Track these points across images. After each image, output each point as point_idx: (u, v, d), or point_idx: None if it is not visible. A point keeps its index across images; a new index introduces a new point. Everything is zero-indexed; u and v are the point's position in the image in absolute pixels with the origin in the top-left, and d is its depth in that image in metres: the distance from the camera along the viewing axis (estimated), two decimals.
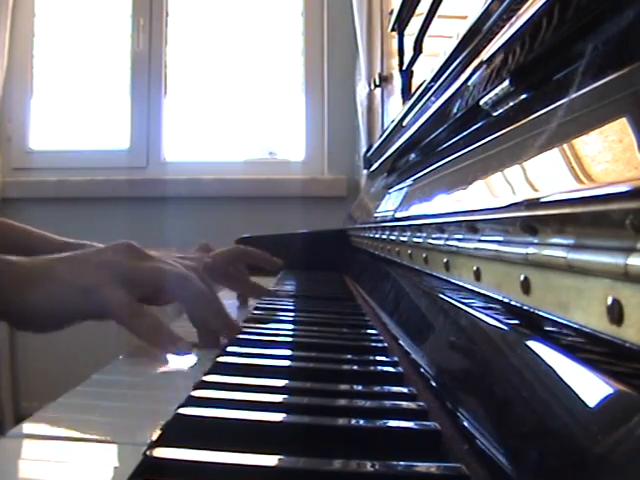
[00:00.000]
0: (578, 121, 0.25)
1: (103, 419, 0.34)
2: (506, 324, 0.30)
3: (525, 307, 0.27)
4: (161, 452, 0.26)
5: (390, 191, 0.80)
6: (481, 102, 0.39)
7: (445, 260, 0.41)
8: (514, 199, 0.29)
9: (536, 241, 0.26)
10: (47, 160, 2.08)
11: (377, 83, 1.60)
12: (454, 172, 0.46)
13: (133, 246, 0.54)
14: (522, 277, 0.27)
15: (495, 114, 0.39)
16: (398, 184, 0.75)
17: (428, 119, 0.59)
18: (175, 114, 2.13)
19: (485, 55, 0.40)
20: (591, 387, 0.21)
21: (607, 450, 0.19)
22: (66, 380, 0.46)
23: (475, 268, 0.34)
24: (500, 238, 0.30)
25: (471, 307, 0.36)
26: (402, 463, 0.26)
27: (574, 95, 0.26)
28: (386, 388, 0.37)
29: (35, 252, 0.58)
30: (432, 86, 0.60)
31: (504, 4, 0.39)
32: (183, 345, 0.48)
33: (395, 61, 1.21)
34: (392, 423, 0.30)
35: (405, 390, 0.36)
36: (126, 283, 0.49)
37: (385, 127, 1.09)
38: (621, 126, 0.21)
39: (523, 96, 0.34)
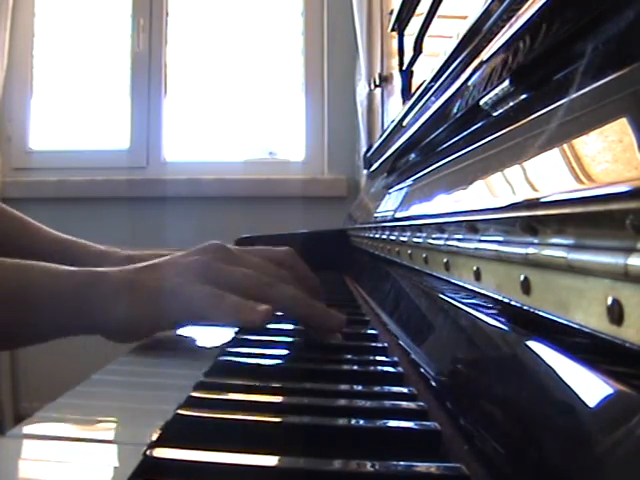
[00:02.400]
0: (578, 121, 0.25)
1: (103, 419, 0.34)
2: (506, 324, 0.30)
3: (525, 307, 0.27)
4: (161, 452, 0.26)
5: (390, 191, 0.80)
6: (481, 102, 0.39)
7: (445, 260, 0.41)
8: (514, 199, 0.29)
9: (536, 241, 0.26)
10: (47, 160, 2.08)
11: (377, 83, 1.60)
12: (454, 172, 0.46)
13: (221, 246, 0.52)
14: (522, 277, 0.27)
15: (495, 114, 0.39)
16: (398, 184, 0.75)
17: (428, 119, 0.59)
18: (175, 114, 2.13)
19: (485, 55, 0.40)
20: (591, 387, 0.21)
21: (607, 450, 0.19)
22: (66, 380, 0.46)
23: (475, 268, 0.34)
24: (500, 238, 0.30)
25: (471, 307, 0.36)
26: (402, 463, 0.26)
27: (574, 95, 0.26)
28: (386, 388, 0.37)
29: (34, 247, 0.58)
30: (432, 86, 0.60)
31: (504, 4, 0.39)
32: (264, 310, 0.46)
33: (395, 61, 1.21)
34: (392, 423, 0.30)
35: (405, 390, 0.36)
36: (211, 282, 0.48)
37: (385, 127, 1.09)
38: (621, 126, 0.21)
39: (523, 96, 0.34)
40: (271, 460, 0.26)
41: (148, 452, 0.26)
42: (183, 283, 0.48)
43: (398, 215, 0.63)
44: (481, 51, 0.42)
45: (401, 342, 0.49)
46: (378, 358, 0.45)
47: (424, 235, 0.47)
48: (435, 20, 0.81)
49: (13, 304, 0.46)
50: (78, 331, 0.48)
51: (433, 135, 0.60)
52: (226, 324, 0.50)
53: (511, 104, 0.36)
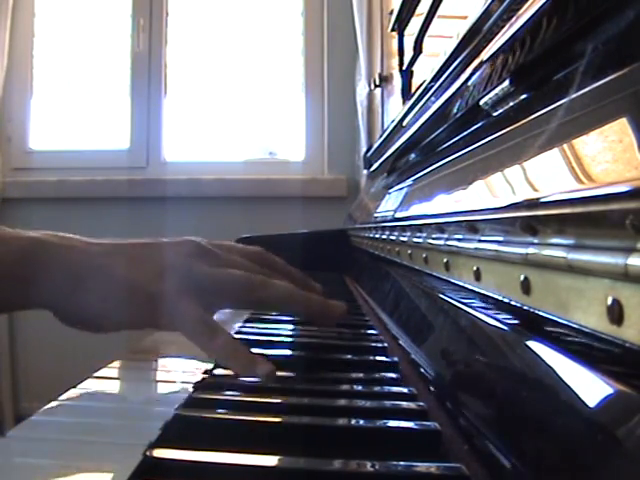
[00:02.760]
0: (578, 121, 0.25)
1: (103, 419, 0.34)
2: (506, 324, 0.30)
3: (525, 307, 0.27)
4: (161, 452, 0.26)
5: (390, 191, 0.80)
6: (481, 102, 0.39)
7: (445, 260, 0.41)
8: (514, 199, 0.29)
9: (536, 241, 0.26)
10: (47, 160, 2.08)
11: (377, 83, 1.60)
12: (454, 172, 0.46)
13: (199, 245, 0.48)
14: (522, 277, 0.27)
15: (495, 114, 0.39)
16: (398, 184, 0.75)
17: (428, 119, 0.59)
18: (175, 114, 2.13)
19: (485, 55, 0.40)
20: (591, 387, 0.21)
21: (607, 450, 0.19)
22: (66, 380, 0.46)
23: (475, 268, 0.34)
24: (500, 238, 0.30)
25: (471, 307, 0.36)
26: (402, 463, 0.26)
27: (574, 95, 0.26)
28: (386, 388, 0.37)
29: None
30: (432, 86, 0.60)
31: (504, 4, 0.39)
32: (264, 367, 0.39)
33: (395, 61, 1.21)
34: (392, 423, 0.30)
35: (405, 390, 0.36)
36: (196, 292, 0.43)
37: (385, 127, 1.09)
38: (621, 126, 0.21)
39: (523, 96, 0.34)
40: (271, 460, 0.26)
41: (148, 452, 0.26)
42: (167, 291, 0.43)
43: (398, 215, 0.63)
44: (481, 51, 0.42)
45: (401, 342, 0.49)
46: (378, 358, 0.45)
47: (424, 235, 0.47)
48: (435, 20, 0.81)
49: None
50: (26, 304, 0.43)
51: (433, 135, 0.60)
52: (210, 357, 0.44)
53: (511, 104, 0.36)
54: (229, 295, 0.46)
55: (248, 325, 0.58)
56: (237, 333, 0.53)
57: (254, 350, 0.46)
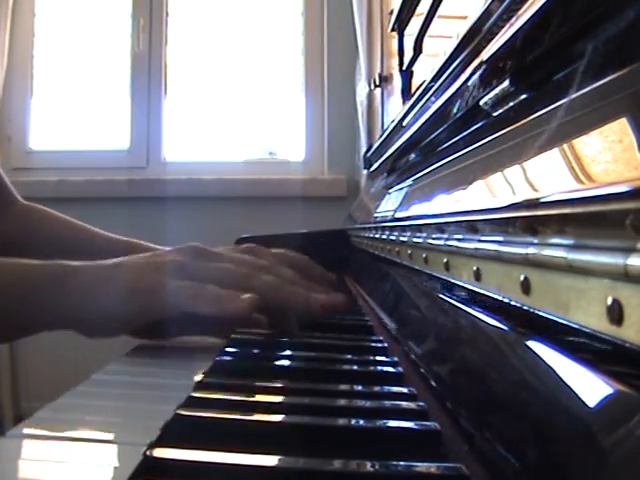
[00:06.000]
0: (578, 121, 0.25)
1: (103, 419, 0.34)
2: (506, 324, 0.30)
3: (525, 307, 0.27)
4: (161, 452, 0.26)
5: (390, 191, 0.80)
6: (481, 102, 0.39)
7: (445, 260, 0.41)
8: (514, 199, 0.29)
9: (536, 241, 0.26)
10: (47, 160, 2.08)
11: (377, 83, 1.60)
12: (454, 172, 0.46)
13: (199, 247, 0.51)
14: (522, 277, 0.27)
15: (495, 114, 0.39)
16: (398, 184, 0.75)
17: (428, 119, 0.59)
18: (175, 114, 2.13)
19: (485, 55, 0.40)
20: (591, 387, 0.21)
21: (607, 450, 0.19)
22: (66, 380, 0.46)
23: (475, 268, 0.34)
24: (500, 238, 0.30)
25: (471, 307, 0.36)
26: (402, 463, 0.26)
27: (574, 95, 0.26)
28: (386, 388, 0.37)
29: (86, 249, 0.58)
30: (432, 86, 0.60)
31: (504, 4, 0.39)
32: (247, 298, 0.45)
33: (395, 61, 1.21)
34: (392, 423, 0.30)
35: (405, 390, 0.36)
36: (189, 278, 0.47)
37: (385, 127, 1.09)
38: (621, 126, 0.21)
39: (523, 96, 0.34)
40: (271, 460, 0.26)
41: (148, 452, 0.26)
42: (160, 279, 0.47)
43: (398, 215, 0.63)
44: (481, 51, 0.42)
45: (401, 342, 0.49)
46: (378, 358, 0.45)
47: (424, 235, 0.47)
48: (435, 20, 0.81)
49: None
50: (51, 327, 0.47)
51: (433, 135, 0.60)
52: (208, 315, 0.46)
53: (511, 104, 0.36)
54: (214, 284, 0.47)
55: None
56: (236, 334, 0.53)
57: (254, 350, 0.47)
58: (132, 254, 0.52)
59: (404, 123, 0.78)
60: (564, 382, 0.23)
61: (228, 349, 0.46)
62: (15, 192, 0.81)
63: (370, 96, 1.79)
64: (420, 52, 0.94)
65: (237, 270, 0.49)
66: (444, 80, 0.54)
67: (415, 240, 0.50)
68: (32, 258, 0.48)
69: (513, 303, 0.29)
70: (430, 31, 0.85)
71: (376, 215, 0.82)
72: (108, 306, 0.46)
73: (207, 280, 0.47)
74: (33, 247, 0.73)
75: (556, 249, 0.24)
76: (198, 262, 0.49)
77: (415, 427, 0.30)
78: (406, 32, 1.10)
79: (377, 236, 0.73)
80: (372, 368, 0.42)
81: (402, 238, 0.56)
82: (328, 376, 0.40)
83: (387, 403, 0.34)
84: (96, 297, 0.46)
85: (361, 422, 0.30)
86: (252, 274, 0.49)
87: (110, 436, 0.30)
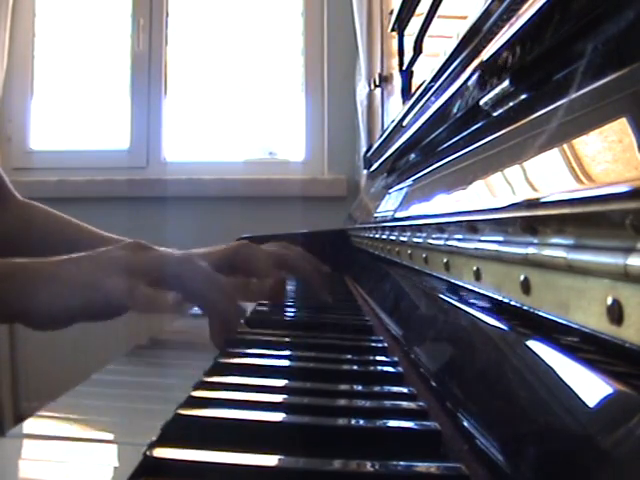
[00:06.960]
0: (578, 121, 0.25)
1: (103, 419, 0.34)
2: (506, 324, 0.30)
3: (525, 307, 0.27)
4: (161, 452, 0.26)
5: (390, 191, 0.80)
6: (481, 102, 0.39)
7: (445, 260, 0.41)
8: (514, 199, 0.29)
9: (536, 241, 0.26)
10: (47, 160, 2.07)
11: (377, 83, 1.60)
12: (454, 172, 0.46)
13: (140, 243, 0.54)
14: (522, 277, 0.27)
15: (495, 114, 0.39)
16: (398, 184, 0.75)
17: (428, 119, 0.59)
18: (175, 114, 2.13)
19: (485, 55, 0.40)
20: (591, 387, 0.21)
21: (607, 450, 0.19)
22: (66, 380, 0.46)
23: (475, 268, 0.34)
24: (500, 238, 0.30)
25: (471, 307, 0.36)
26: (402, 463, 0.26)
27: (574, 95, 0.26)
28: (386, 388, 0.37)
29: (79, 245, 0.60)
30: (432, 86, 0.60)
31: (504, 4, 0.39)
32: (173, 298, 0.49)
33: (395, 61, 1.21)
34: (392, 423, 0.30)
35: (405, 390, 0.36)
36: (128, 273, 0.50)
37: (385, 127, 1.09)
38: (621, 126, 0.21)
39: (523, 96, 0.34)
40: (271, 460, 0.26)
41: (148, 452, 0.26)
42: (101, 276, 0.50)
43: (398, 215, 0.63)
44: (481, 51, 0.42)
45: (401, 342, 0.49)
46: (378, 358, 0.45)
47: (424, 235, 0.47)
48: (435, 20, 0.81)
49: None
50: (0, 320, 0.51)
51: (433, 135, 0.60)
52: (141, 312, 0.51)
53: (511, 104, 0.36)
54: (152, 272, 0.51)
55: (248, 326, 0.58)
56: (236, 334, 0.53)
57: (254, 350, 0.47)
58: None
59: (404, 123, 0.78)
60: (564, 382, 0.23)
61: (228, 349, 0.46)
62: (13, 189, 0.83)
63: (370, 96, 1.79)
64: (420, 52, 0.94)
65: (170, 260, 0.54)
66: (444, 80, 0.54)
67: (415, 240, 0.50)
68: (30, 255, 0.51)
69: (513, 303, 0.29)
70: (430, 31, 0.85)
71: (376, 215, 0.82)
72: (52, 302, 0.49)
73: (142, 270, 0.51)
74: (31, 244, 0.76)
75: (556, 249, 0.24)
76: (137, 254, 0.53)
77: (415, 427, 0.30)
78: (406, 32, 1.10)
79: (377, 236, 0.73)
80: (372, 368, 0.42)
81: (402, 238, 0.56)
82: (328, 376, 0.40)
83: (387, 403, 0.34)
84: (41, 293, 0.49)
85: (361, 422, 0.30)
86: (184, 266, 0.53)
87: (110, 436, 0.30)
